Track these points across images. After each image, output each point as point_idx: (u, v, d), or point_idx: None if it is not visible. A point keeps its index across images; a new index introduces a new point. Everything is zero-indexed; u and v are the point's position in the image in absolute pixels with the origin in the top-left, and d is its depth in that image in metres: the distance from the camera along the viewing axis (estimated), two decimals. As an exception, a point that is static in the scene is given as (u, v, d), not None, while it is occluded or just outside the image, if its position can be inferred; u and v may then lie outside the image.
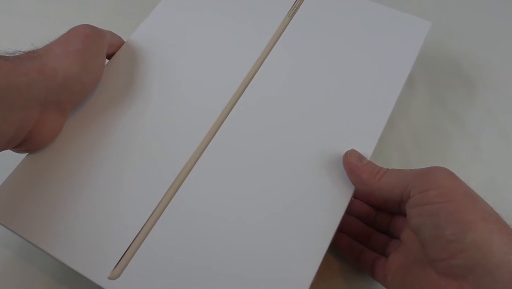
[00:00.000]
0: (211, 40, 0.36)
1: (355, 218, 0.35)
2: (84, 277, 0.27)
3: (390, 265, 0.29)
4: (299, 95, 0.33)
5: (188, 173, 0.31)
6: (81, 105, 0.33)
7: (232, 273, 0.27)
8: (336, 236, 0.29)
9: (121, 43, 0.36)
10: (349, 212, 0.30)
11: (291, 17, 0.37)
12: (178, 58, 0.35)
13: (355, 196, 0.35)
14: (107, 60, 0.36)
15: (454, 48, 0.47)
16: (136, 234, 0.28)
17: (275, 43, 0.36)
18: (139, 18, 0.38)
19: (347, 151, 0.30)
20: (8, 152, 0.32)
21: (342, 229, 0.34)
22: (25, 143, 0.30)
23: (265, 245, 0.28)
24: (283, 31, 0.36)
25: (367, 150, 0.31)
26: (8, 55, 0.28)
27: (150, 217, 0.29)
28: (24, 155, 0.32)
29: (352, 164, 0.29)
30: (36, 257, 0.35)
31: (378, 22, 0.37)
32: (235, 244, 0.28)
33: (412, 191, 0.26)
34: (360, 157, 0.30)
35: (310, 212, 0.29)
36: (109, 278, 0.27)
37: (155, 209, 0.29)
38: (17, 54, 0.29)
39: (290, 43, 0.36)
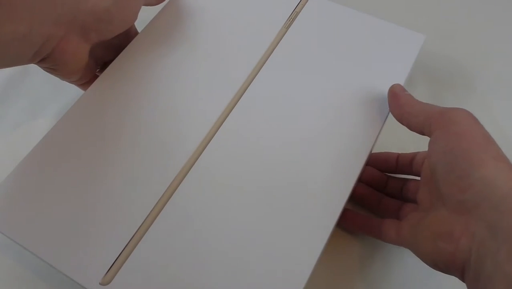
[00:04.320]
0: (209, 47, 0.37)
1: (364, 185, 0.36)
2: (79, 285, 0.28)
3: (407, 222, 0.30)
4: (293, 104, 0.34)
5: (184, 177, 0.31)
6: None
7: (228, 278, 0.27)
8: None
9: None
10: (359, 178, 0.32)
11: (287, 28, 0.38)
12: (169, 66, 0.36)
13: (367, 162, 0.36)
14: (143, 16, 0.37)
15: (453, 49, 0.47)
16: (129, 239, 0.29)
17: (270, 54, 0.36)
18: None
19: (393, 84, 0.33)
20: (3, 153, 0.32)
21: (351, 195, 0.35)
22: (48, 59, 0.32)
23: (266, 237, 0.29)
24: (279, 42, 0.37)
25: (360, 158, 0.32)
26: None
27: (144, 222, 0.29)
28: (20, 158, 0.32)
29: (395, 92, 0.32)
30: (32, 262, 0.35)
31: (372, 35, 0.37)
32: (230, 249, 0.28)
33: (433, 125, 0.28)
34: (403, 89, 0.33)
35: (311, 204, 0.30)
36: (100, 283, 0.27)
37: (149, 214, 0.30)
38: None
39: (285, 54, 0.36)
